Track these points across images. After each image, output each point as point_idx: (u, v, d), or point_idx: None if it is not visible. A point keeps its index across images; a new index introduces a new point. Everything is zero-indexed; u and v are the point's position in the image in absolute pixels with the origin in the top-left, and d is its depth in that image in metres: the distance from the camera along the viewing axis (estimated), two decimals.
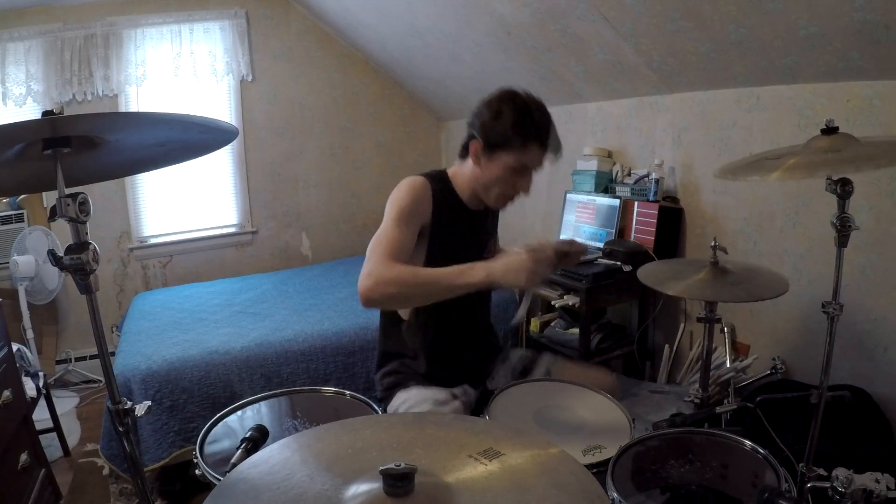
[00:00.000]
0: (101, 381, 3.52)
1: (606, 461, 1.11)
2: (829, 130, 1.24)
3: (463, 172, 1.51)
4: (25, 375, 2.48)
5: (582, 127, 3.10)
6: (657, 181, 2.53)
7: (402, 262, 1.31)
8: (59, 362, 3.68)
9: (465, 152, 1.50)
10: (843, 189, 1.26)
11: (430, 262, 1.46)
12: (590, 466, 1.13)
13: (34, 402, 2.45)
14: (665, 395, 2.26)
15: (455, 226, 1.50)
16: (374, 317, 2.75)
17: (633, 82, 2.62)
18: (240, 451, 1.05)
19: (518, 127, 1.36)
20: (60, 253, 0.90)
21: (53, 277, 3.22)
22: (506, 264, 1.19)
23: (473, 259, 1.53)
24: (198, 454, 1.15)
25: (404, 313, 1.56)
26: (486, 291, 1.66)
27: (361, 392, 1.48)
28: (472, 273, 1.22)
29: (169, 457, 2.27)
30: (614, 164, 2.89)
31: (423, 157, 4.53)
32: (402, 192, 1.43)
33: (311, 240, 4.35)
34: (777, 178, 1.22)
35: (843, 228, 1.29)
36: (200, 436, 1.20)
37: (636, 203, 2.61)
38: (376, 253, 1.31)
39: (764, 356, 2.22)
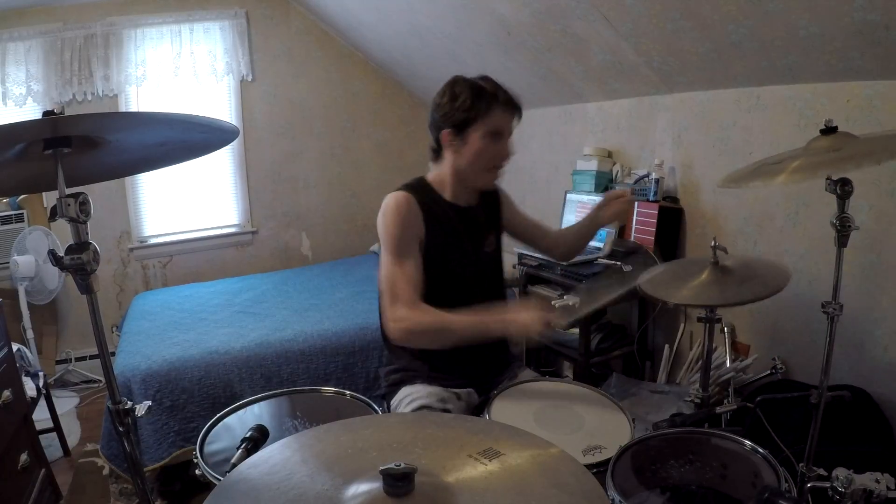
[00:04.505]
0: (101, 381, 3.53)
1: (606, 461, 1.11)
2: (829, 130, 1.24)
3: (441, 172, 1.54)
4: (25, 375, 2.48)
5: (582, 127, 3.10)
6: (657, 181, 2.53)
7: (421, 292, 1.40)
8: (59, 362, 3.68)
9: (436, 153, 1.55)
10: (842, 189, 1.26)
11: (428, 270, 1.46)
12: (590, 466, 1.13)
13: (34, 402, 2.45)
14: (665, 395, 2.26)
15: (447, 229, 1.51)
16: (373, 317, 2.76)
17: (633, 82, 2.62)
18: (240, 451, 1.05)
19: (476, 98, 1.43)
20: (61, 253, 0.90)
21: (53, 277, 3.22)
22: (520, 324, 1.30)
23: (470, 259, 1.55)
24: (198, 454, 1.15)
25: None
26: (498, 275, 1.69)
27: (361, 392, 1.49)
28: (491, 329, 1.32)
29: (169, 457, 2.27)
30: (614, 164, 2.89)
31: (423, 157, 4.45)
32: (390, 220, 1.45)
33: (311, 240, 4.35)
34: (781, 182, 1.22)
35: (843, 228, 1.29)
36: (200, 436, 1.20)
37: (636, 203, 2.60)
38: (400, 297, 1.37)
39: (764, 356, 2.22)
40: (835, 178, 1.26)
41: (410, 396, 1.50)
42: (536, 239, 1.80)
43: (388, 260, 1.43)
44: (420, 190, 1.51)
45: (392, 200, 1.47)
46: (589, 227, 1.77)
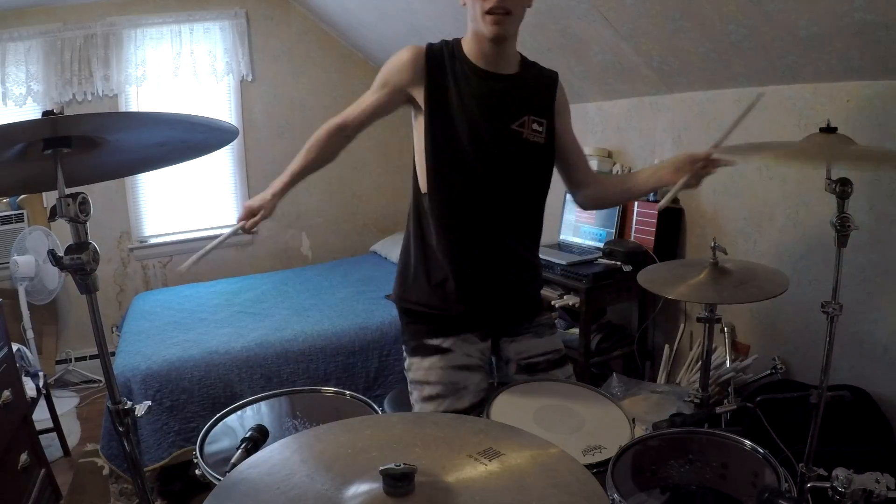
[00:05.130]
0: (101, 381, 3.52)
1: (606, 461, 1.11)
2: (828, 130, 1.24)
3: (468, 32, 1.42)
4: (25, 375, 2.48)
5: (582, 127, 3.10)
6: None
7: (354, 121, 1.50)
8: (59, 362, 3.68)
9: None
10: (842, 189, 1.26)
11: (431, 128, 1.40)
12: (590, 466, 1.13)
13: (34, 402, 2.46)
14: (665, 395, 2.25)
15: (458, 90, 1.39)
16: (373, 317, 2.77)
17: (633, 82, 2.62)
18: (240, 451, 1.05)
19: None
20: (60, 253, 0.90)
21: (53, 277, 3.22)
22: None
23: (494, 130, 1.41)
24: (198, 454, 1.15)
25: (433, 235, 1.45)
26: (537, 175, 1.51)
27: (361, 392, 1.48)
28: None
29: (169, 457, 2.27)
30: (614, 163, 2.89)
31: None
32: (390, 60, 1.46)
33: (311, 240, 4.35)
34: (766, 159, 1.21)
35: (843, 228, 1.29)
36: (200, 436, 1.20)
37: (636, 203, 2.61)
38: (343, 113, 1.51)
39: (764, 356, 2.22)
40: (834, 177, 1.26)
41: (423, 376, 1.46)
42: (571, 165, 1.60)
43: (372, 86, 1.48)
44: (446, 46, 1.44)
45: (404, 48, 1.44)
46: (644, 182, 1.55)
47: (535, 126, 1.44)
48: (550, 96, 1.51)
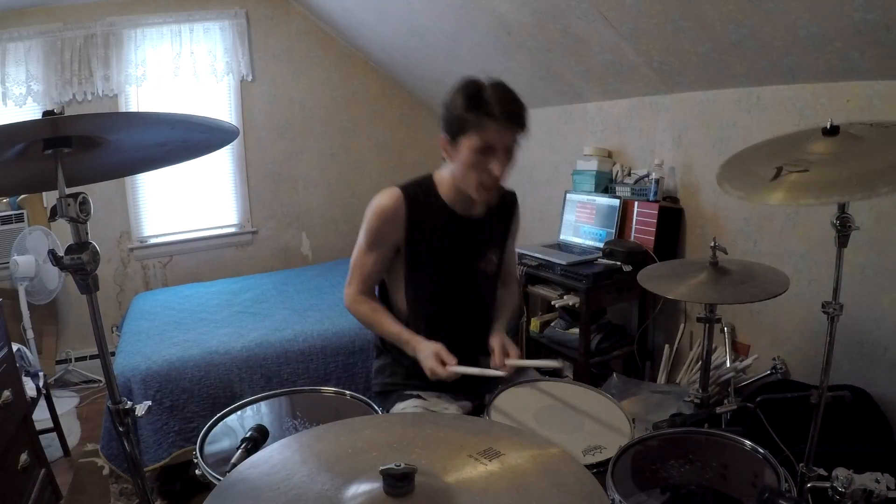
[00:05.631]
0: (101, 381, 3.53)
1: (606, 461, 1.11)
2: (832, 131, 1.23)
3: (446, 174, 1.48)
4: (25, 375, 2.48)
5: (582, 127, 3.10)
6: (657, 181, 2.53)
7: (373, 284, 1.54)
8: (59, 362, 3.68)
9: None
10: None
11: (411, 273, 1.48)
12: (590, 466, 1.13)
13: (34, 402, 2.45)
14: (665, 395, 2.25)
15: (435, 235, 1.47)
16: None
17: (633, 82, 2.62)
18: (240, 451, 1.05)
19: (469, 106, 1.33)
20: (61, 253, 0.90)
21: (53, 277, 3.22)
22: (419, 359, 1.42)
23: (459, 274, 1.53)
24: (198, 454, 1.15)
25: (399, 305, 1.55)
26: (491, 298, 1.64)
27: (361, 392, 1.48)
28: (406, 348, 1.46)
29: (169, 457, 2.27)
30: (614, 164, 2.89)
31: (423, 157, 4.52)
32: (371, 215, 1.46)
33: (311, 240, 4.35)
34: (780, 202, 1.18)
35: (844, 228, 1.29)
36: (200, 436, 1.20)
37: (636, 203, 2.61)
38: (353, 281, 1.53)
39: (764, 356, 2.22)
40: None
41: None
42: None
43: (359, 245, 1.51)
44: (420, 189, 1.47)
45: (380, 199, 1.46)
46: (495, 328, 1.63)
47: (493, 258, 1.59)
48: (508, 220, 1.64)
